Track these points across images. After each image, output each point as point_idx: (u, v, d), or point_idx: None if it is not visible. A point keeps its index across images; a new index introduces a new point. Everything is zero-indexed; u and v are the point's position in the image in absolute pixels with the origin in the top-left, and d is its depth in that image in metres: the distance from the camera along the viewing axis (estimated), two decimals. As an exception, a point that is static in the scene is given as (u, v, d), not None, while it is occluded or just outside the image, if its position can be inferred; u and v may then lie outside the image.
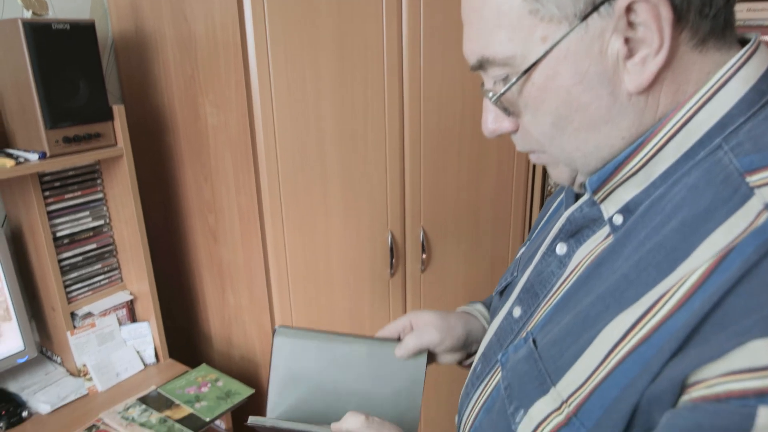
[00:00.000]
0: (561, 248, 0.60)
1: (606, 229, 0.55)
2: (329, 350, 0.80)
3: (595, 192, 0.54)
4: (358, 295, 1.51)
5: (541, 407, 0.50)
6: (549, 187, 1.62)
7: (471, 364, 0.87)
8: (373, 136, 1.41)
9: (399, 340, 0.82)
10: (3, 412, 1.28)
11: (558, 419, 0.48)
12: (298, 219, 1.38)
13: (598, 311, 0.48)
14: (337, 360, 0.80)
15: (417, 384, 0.81)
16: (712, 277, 0.40)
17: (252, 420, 0.72)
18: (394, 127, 1.43)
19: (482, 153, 1.58)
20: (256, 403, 1.58)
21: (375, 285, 1.52)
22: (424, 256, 1.55)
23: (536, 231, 0.75)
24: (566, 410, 0.48)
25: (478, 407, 0.65)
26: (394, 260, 1.51)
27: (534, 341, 0.55)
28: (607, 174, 0.52)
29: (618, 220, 0.53)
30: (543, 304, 0.60)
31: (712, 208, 0.42)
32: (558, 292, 0.58)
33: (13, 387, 1.38)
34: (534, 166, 1.61)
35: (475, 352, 0.84)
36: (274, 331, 0.80)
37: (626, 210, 0.52)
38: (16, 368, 1.43)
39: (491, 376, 0.65)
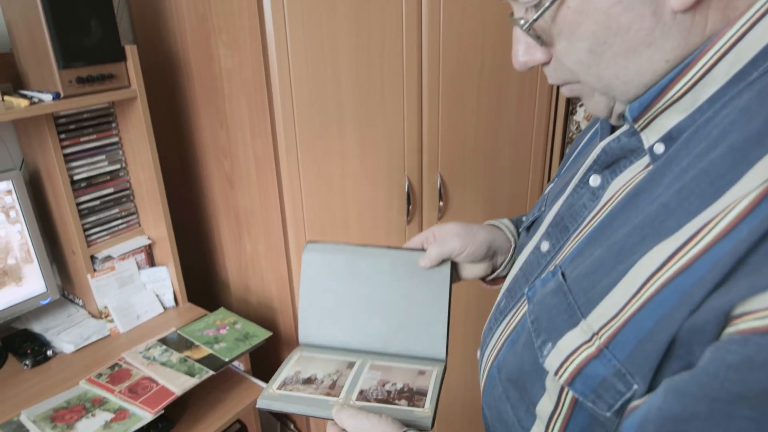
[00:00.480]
0: (594, 180, 0.58)
1: (644, 160, 0.52)
2: (355, 264, 0.81)
3: (635, 120, 0.52)
4: (374, 242, 1.51)
5: (570, 340, 0.49)
6: (570, 134, 1.58)
7: (494, 280, 0.86)
8: (390, 79, 1.37)
9: (422, 249, 0.82)
10: (28, 351, 1.32)
11: (588, 351, 0.47)
12: (314, 164, 1.36)
13: (634, 242, 0.47)
14: (362, 273, 0.81)
15: (442, 294, 0.80)
16: (763, 204, 0.37)
17: (261, 403, 0.72)
18: (412, 71, 1.39)
19: (501, 98, 1.53)
20: (274, 345, 1.61)
21: (391, 232, 1.51)
22: (441, 203, 1.53)
23: (566, 165, 0.72)
24: (597, 342, 0.47)
25: (502, 341, 0.64)
26: (410, 207, 1.49)
27: (563, 274, 0.54)
28: (649, 100, 0.50)
29: (659, 149, 0.50)
30: (573, 238, 0.58)
31: (765, 132, 0.40)
32: (590, 225, 0.56)
33: (37, 328, 1.41)
34: (555, 113, 1.57)
35: (499, 266, 0.83)
36: (304, 247, 0.82)
37: (668, 138, 0.49)
38: (40, 310, 1.46)
39: (516, 311, 0.64)
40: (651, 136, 0.51)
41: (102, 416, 1.11)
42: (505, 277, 0.86)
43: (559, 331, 0.51)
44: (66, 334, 1.38)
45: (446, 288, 0.80)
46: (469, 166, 1.53)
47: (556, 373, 0.50)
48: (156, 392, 1.16)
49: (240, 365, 1.42)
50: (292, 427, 1.72)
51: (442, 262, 0.80)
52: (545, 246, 0.63)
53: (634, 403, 0.44)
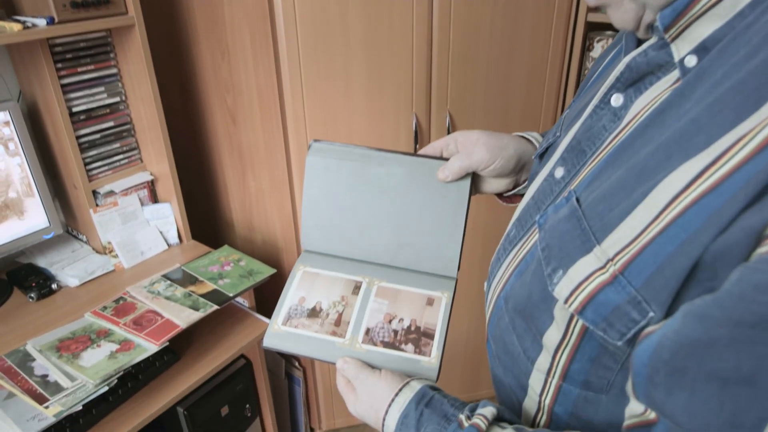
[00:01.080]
0: (616, 99, 0.54)
1: (673, 75, 0.48)
2: (365, 170, 0.74)
3: (666, 29, 0.47)
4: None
5: (582, 267, 0.47)
6: (585, 71, 1.52)
7: (511, 197, 0.82)
8: (399, 9, 1.30)
9: (442, 158, 0.74)
10: (33, 284, 1.32)
11: (601, 278, 0.45)
12: (319, 98, 1.32)
13: (658, 161, 0.43)
14: (373, 181, 0.74)
15: (459, 209, 0.73)
16: None
17: (267, 342, 0.71)
18: (422, 1, 1.32)
19: (515, 33, 1.46)
20: (279, 283, 1.61)
21: (398, 171, 1.48)
22: (449, 143, 1.49)
23: (585, 88, 0.68)
24: (611, 268, 0.44)
25: (510, 271, 0.62)
26: (417, 146, 1.45)
27: (577, 199, 0.51)
28: (683, 5, 0.45)
29: (690, 61, 0.46)
30: (590, 162, 0.55)
31: None
32: (609, 147, 0.52)
33: (41, 263, 1.41)
34: (571, 48, 1.50)
35: (522, 182, 0.78)
36: (309, 147, 0.75)
37: (702, 48, 0.45)
38: (43, 245, 1.46)
39: (526, 240, 0.61)
40: (682, 48, 0.47)
41: (107, 347, 1.11)
42: (523, 196, 0.83)
43: (570, 258, 0.48)
44: (71, 268, 1.38)
45: (464, 202, 0.74)
46: (480, 104, 1.48)
47: (566, 301, 0.48)
48: (161, 325, 1.16)
49: (245, 302, 1.42)
50: (296, 364, 1.75)
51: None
52: (559, 172, 0.60)
53: (649, 329, 0.42)
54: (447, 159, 0.74)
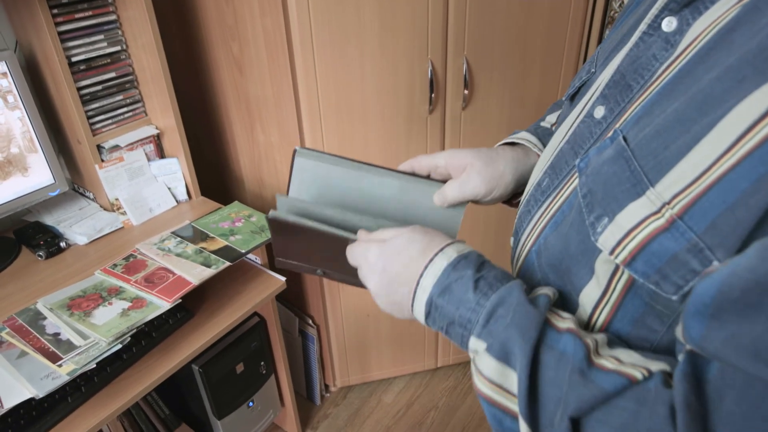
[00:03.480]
0: (669, 24, 0.47)
1: None
2: (357, 178, 0.68)
3: None
4: (394, 133, 1.42)
5: (632, 212, 0.42)
6: (612, 12, 1.43)
7: (518, 202, 0.77)
8: (414, -55, 1.22)
9: (429, 178, 0.70)
10: (41, 243, 1.29)
11: (656, 224, 0.40)
12: (330, 44, 1.25)
13: (726, 87, 0.37)
14: (364, 190, 0.69)
15: (451, 232, 0.69)
16: None
17: (272, 214, 0.61)
18: (438, -64, 1.24)
19: (537, -27, 1.37)
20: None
21: (412, 122, 1.42)
22: (466, 91, 1.42)
23: (623, 17, 0.60)
24: (668, 213, 0.39)
25: (543, 223, 0.57)
26: (433, 95, 1.38)
27: (625, 138, 0.45)
28: None
29: None
30: (637, 97, 0.48)
31: None
32: (662, 78, 0.46)
33: (48, 221, 1.38)
34: (596, -11, 1.41)
35: (522, 191, 0.73)
36: (294, 152, 0.68)
37: None
38: (50, 203, 1.42)
39: (562, 189, 0.56)
40: None
41: (119, 305, 1.09)
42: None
43: (618, 203, 0.43)
44: (78, 226, 1.34)
45: (456, 226, 0.70)
46: (498, 51, 1.40)
47: (612, 251, 0.43)
48: (173, 282, 1.13)
49: (257, 258, 1.39)
50: (310, 322, 1.73)
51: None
52: (600, 111, 0.53)
53: (714, 266, 0.37)
54: (442, 182, 0.69)
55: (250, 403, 1.51)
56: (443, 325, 0.51)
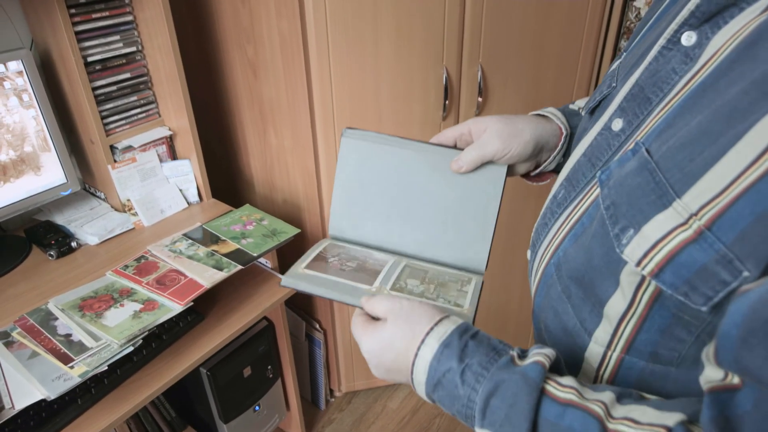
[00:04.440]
0: (688, 38, 0.47)
1: (761, 4, 0.41)
2: (399, 157, 0.72)
3: None
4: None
5: (658, 224, 0.41)
6: (628, 23, 1.42)
7: (539, 175, 0.77)
8: (432, -48, 1.21)
9: (456, 147, 0.72)
10: (52, 242, 1.28)
11: (684, 235, 0.39)
12: (346, 48, 1.24)
13: (752, 100, 0.37)
14: (406, 169, 0.72)
15: (492, 201, 0.71)
16: None
17: (285, 281, 0.65)
18: (456, -57, 1.23)
19: (553, -19, 1.37)
20: (301, 245, 1.56)
21: (426, 128, 1.41)
22: (480, 98, 1.41)
23: (643, 32, 0.60)
24: (696, 224, 0.39)
25: (562, 236, 0.56)
26: (447, 102, 1.38)
27: (647, 151, 0.45)
28: None
29: None
30: (657, 111, 0.48)
31: None
32: (682, 92, 0.46)
33: (59, 220, 1.37)
34: (612, 3, 1.41)
35: (544, 161, 0.73)
36: (342, 133, 0.73)
37: None
38: (61, 202, 1.42)
39: (580, 201, 0.55)
40: None
41: (131, 306, 1.08)
42: (552, 172, 0.77)
43: (643, 215, 0.43)
44: (90, 226, 1.34)
45: (497, 194, 0.71)
46: (513, 58, 1.39)
47: (639, 263, 0.43)
48: (184, 284, 1.13)
49: (267, 262, 1.39)
50: (317, 326, 1.72)
51: (487, 163, 0.70)
52: (618, 124, 0.53)
53: (748, 285, 0.37)
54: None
55: (257, 407, 1.51)
56: (452, 413, 0.51)
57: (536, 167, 0.74)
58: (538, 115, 0.73)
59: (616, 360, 0.50)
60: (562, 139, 0.72)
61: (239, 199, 1.74)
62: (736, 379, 0.37)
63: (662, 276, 0.41)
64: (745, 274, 0.36)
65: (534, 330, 0.66)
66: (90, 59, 1.24)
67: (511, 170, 0.72)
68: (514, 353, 0.49)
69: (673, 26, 0.48)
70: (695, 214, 0.39)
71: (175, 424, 1.43)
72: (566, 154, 0.73)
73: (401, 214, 0.73)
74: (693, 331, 0.43)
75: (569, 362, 0.56)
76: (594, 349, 0.52)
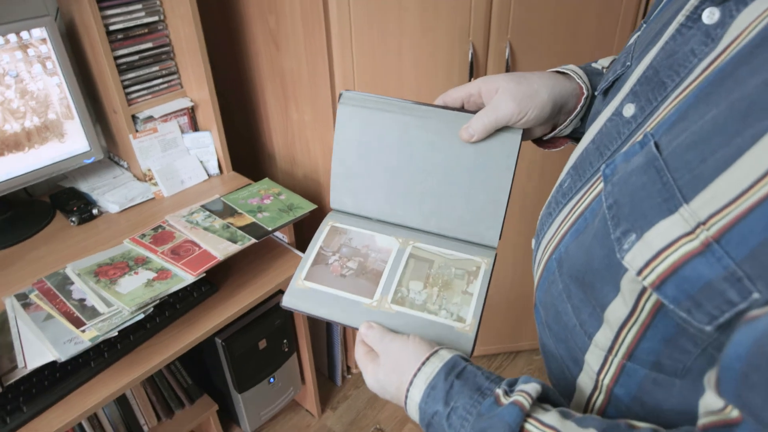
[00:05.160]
0: (710, 15, 0.41)
1: None
2: (401, 124, 0.66)
3: None
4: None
5: (663, 231, 0.37)
6: None
7: (553, 141, 0.71)
8: None
9: (464, 110, 0.65)
10: (75, 209, 1.31)
11: (689, 246, 0.35)
12: (368, 20, 1.21)
13: None
14: (409, 136, 0.67)
15: (505, 171, 0.65)
16: None
17: (286, 301, 0.65)
18: None
19: (590, -47, 1.30)
20: (319, 220, 1.56)
21: (449, 106, 1.37)
22: (507, 76, 1.36)
23: (663, 4, 0.53)
24: (703, 234, 0.35)
25: (564, 230, 0.52)
26: (472, 79, 1.33)
27: (656, 145, 0.40)
28: None
29: None
30: (673, 98, 0.43)
31: None
32: (700, 78, 0.41)
33: (83, 187, 1.40)
34: (653, -28, 1.32)
35: (561, 123, 0.67)
36: (339, 97, 0.68)
37: None
38: (86, 170, 1.44)
39: (585, 193, 0.51)
40: None
41: (144, 274, 1.09)
42: (569, 138, 0.71)
43: (647, 220, 0.39)
44: (111, 194, 1.36)
45: (511, 164, 0.65)
46: (545, 35, 1.33)
47: (640, 272, 0.39)
48: (198, 255, 1.13)
49: (284, 237, 1.38)
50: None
51: (500, 129, 0.63)
52: (630, 110, 0.48)
53: (756, 311, 0.33)
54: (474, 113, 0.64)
55: (271, 379, 1.52)
56: None
57: (552, 130, 0.68)
58: (557, 72, 0.66)
59: (618, 365, 0.47)
60: (582, 101, 0.64)
61: (262, 172, 1.74)
62: (735, 412, 0.34)
63: (664, 289, 0.38)
64: (756, 296, 0.32)
65: (537, 326, 0.62)
66: (112, 28, 1.24)
67: (523, 133, 0.65)
68: (500, 391, 0.47)
69: (692, 4, 0.43)
70: (703, 223, 0.35)
71: (191, 391, 1.46)
72: (584, 118, 0.67)
73: (405, 187, 0.69)
74: (699, 344, 0.40)
75: (570, 362, 0.52)
76: (594, 352, 0.49)
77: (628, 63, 0.53)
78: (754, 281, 0.32)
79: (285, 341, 1.50)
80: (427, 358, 0.53)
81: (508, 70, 1.35)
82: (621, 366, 0.46)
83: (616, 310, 0.44)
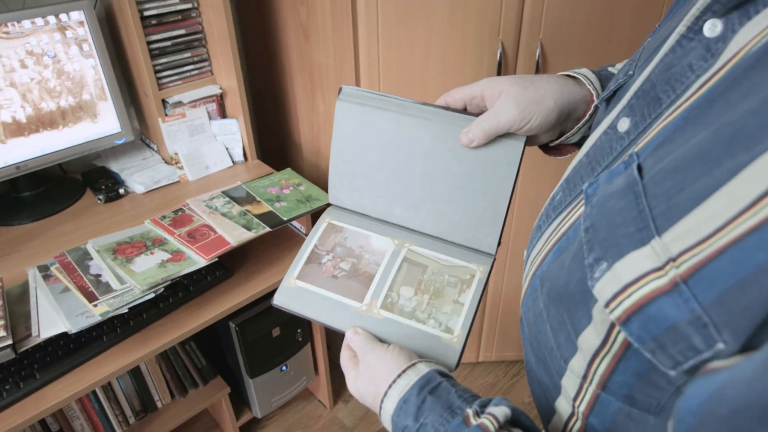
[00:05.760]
0: (712, 27, 0.38)
1: None
2: (399, 124, 0.65)
3: None
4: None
5: (632, 262, 0.35)
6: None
7: (559, 148, 0.68)
8: None
9: (466, 112, 0.63)
10: (103, 187, 1.36)
11: (657, 283, 0.33)
12: (396, 14, 1.20)
13: (762, 124, 0.30)
14: (407, 136, 0.65)
15: (506, 177, 0.63)
16: None
17: (278, 300, 0.65)
18: None
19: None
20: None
21: (475, 105, 1.35)
22: (537, 77, 1.33)
23: (672, 12, 0.50)
24: (672, 272, 0.32)
25: (549, 246, 0.50)
26: (501, 78, 1.30)
27: (639, 167, 0.38)
28: None
29: None
30: (666, 115, 0.40)
31: None
32: (693, 97, 0.37)
33: (114, 167, 1.44)
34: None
35: (568, 130, 0.64)
36: (339, 91, 0.67)
37: None
38: (118, 150, 1.49)
39: (571, 210, 0.48)
40: None
41: (159, 255, 1.12)
42: (576, 145, 0.67)
43: (618, 249, 0.36)
44: (139, 175, 1.40)
45: (512, 172, 0.63)
46: (579, 35, 1.29)
47: (607, 305, 0.36)
48: (212, 240, 1.15)
49: (301, 227, 1.39)
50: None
51: (502, 135, 0.61)
52: (624, 124, 0.45)
53: (716, 363, 0.30)
54: (476, 115, 0.62)
55: (284, 367, 1.54)
56: None
57: (559, 136, 0.65)
58: (567, 75, 0.63)
59: (592, 394, 0.44)
60: (592, 108, 0.61)
61: (287, 161, 1.76)
62: None
63: (630, 326, 0.35)
64: (720, 346, 0.30)
65: (521, 336, 0.60)
66: (147, 13, 1.27)
67: (528, 140, 0.63)
68: (470, 411, 0.46)
69: (695, 11, 0.39)
70: (674, 260, 0.32)
71: (205, 372, 1.49)
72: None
73: (403, 188, 0.68)
74: (672, 382, 0.37)
75: (550, 385, 0.50)
76: (570, 378, 0.46)
77: (631, 72, 0.50)
78: (719, 329, 0.30)
79: (299, 331, 1.52)
80: (404, 371, 0.53)
81: (538, 71, 1.32)
82: (595, 395, 0.44)
83: (589, 338, 0.42)
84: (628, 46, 1.33)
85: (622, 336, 0.38)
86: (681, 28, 0.41)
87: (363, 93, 0.66)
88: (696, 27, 0.39)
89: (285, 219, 1.23)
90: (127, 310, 1.01)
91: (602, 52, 1.33)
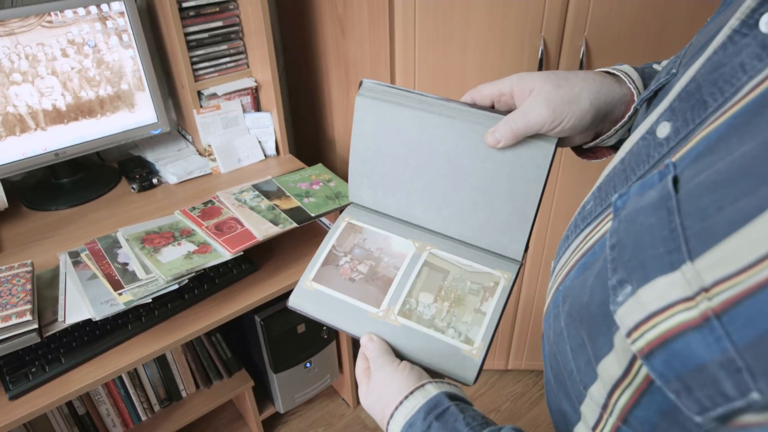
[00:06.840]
0: None
1: None
2: (423, 121, 0.61)
3: None
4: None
5: (660, 289, 0.30)
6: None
7: (594, 149, 0.62)
8: None
9: (493, 110, 0.59)
10: (137, 177, 1.37)
11: (686, 315, 0.29)
12: (434, 10, 1.16)
13: None
14: (431, 135, 0.61)
15: (535, 180, 0.58)
16: None
17: (292, 302, 0.64)
18: None
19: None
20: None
21: (514, 105, 1.30)
22: (580, 77, 1.26)
23: (725, 4, 0.44)
24: (704, 304, 0.28)
25: (574, 260, 0.45)
26: (541, 77, 1.25)
27: (675, 180, 0.33)
28: None
29: None
30: (713, 119, 0.35)
31: None
32: (742, 102, 0.33)
33: (150, 157, 1.46)
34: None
35: (604, 132, 0.58)
36: (360, 85, 0.64)
37: None
38: (155, 140, 1.51)
39: (601, 221, 0.44)
40: None
41: (186, 246, 1.12)
42: (613, 148, 0.62)
43: (644, 272, 0.32)
44: (172, 165, 1.41)
45: (542, 176, 0.58)
46: (627, 33, 1.22)
47: (629, 334, 0.32)
48: (239, 234, 1.15)
49: (330, 224, 1.37)
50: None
51: (532, 136, 0.56)
52: (664, 129, 0.40)
53: (750, 418, 0.26)
54: (504, 113, 0.57)
55: (308, 364, 1.53)
56: None
57: (595, 138, 0.60)
58: (606, 72, 0.57)
59: (613, 426, 0.39)
60: (632, 109, 0.56)
61: (320, 155, 1.75)
62: None
63: (652, 360, 0.31)
64: (754, 396, 0.26)
65: (542, 353, 0.56)
66: (185, 5, 1.27)
67: (560, 141, 0.58)
68: None
69: (751, 2, 0.34)
70: (707, 290, 0.28)
71: (230, 364, 1.50)
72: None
73: (425, 188, 0.64)
74: (702, 425, 0.32)
75: (569, 409, 0.46)
76: (590, 406, 0.42)
77: (674, 71, 0.45)
78: (755, 376, 0.26)
79: (324, 328, 1.50)
80: (411, 392, 0.51)
81: (581, 69, 1.25)
82: (616, 428, 0.39)
83: (609, 367, 0.37)
84: (681, 46, 1.25)
85: (645, 370, 0.34)
86: (733, 22, 0.36)
87: (384, 88, 0.63)
88: (751, 21, 0.34)
89: (312, 215, 1.21)
90: (150, 300, 1.01)
91: (652, 52, 1.25)
